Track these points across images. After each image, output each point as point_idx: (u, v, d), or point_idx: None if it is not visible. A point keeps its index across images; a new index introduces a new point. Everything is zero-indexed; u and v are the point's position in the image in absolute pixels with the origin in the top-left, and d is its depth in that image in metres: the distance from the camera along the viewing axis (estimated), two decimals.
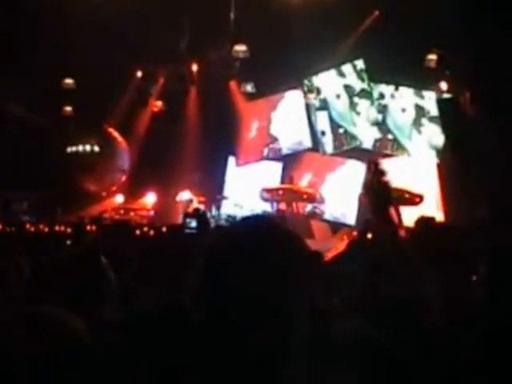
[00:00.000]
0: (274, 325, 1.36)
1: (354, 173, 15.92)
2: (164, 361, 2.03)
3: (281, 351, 1.35)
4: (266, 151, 17.86)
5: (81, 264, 2.85)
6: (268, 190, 15.95)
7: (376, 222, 2.71)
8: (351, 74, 16.28)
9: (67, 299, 2.60)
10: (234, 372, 1.36)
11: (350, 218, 15.71)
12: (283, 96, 17.68)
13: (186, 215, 13.28)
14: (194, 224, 12.08)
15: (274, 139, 17.80)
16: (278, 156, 17.66)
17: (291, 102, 17.53)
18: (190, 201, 16.32)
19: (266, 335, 1.34)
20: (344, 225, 15.41)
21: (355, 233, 12.02)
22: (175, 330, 2.06)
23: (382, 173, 2.73)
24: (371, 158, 2.80)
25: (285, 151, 17.62)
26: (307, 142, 17.23)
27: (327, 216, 15.92)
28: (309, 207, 15.83)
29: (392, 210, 2.74)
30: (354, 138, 16.35)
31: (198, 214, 13.28)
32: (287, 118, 17.56)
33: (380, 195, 2.71)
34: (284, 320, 1.37)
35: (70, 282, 2.74)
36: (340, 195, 16.11)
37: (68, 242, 11.17)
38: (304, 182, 16.26)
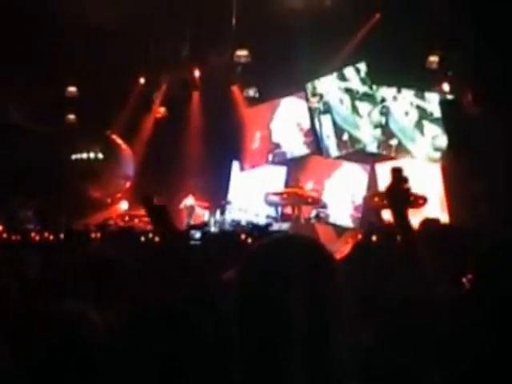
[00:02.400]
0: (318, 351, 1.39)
1: (357, 176, 15.94)
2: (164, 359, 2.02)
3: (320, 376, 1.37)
4: (270, 157, 17.94)
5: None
6: (273, 195, 15.88)
7: (396, 227, 2.77)
8: (354, 77, 16.24)
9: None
10: None
11: (355, 221, 15.70)
12: (284, 100, 17.73)
13: (191, 227, 13.24)
14: (198, 235, 12.12)
15: (277, 145, 17.86)
16: (283, 160, 17.70)
17: (293, 106, 17.56)
18: (192, 207, 16.32)
19: (308, 361, 1.36)
20: (348, 228, 15.32)
21: (360, 235, 11.98)
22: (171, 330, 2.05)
23: (405, 180, 2.82)
24: (394, 167, 2.85)
25: (289, 155, 17.64)
26: (311, 146, 17.25)
27: (331, 219, 15.88)
28: (313, 211, 15.77)
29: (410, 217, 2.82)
30: (357, 141, 16.32)
31: (202, 226, 13.50)
32: (289, 123, 17.61)
33: (401, 201, 2.80)
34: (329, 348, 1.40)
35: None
36: (344, 198, 16.11)
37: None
38: (309, 185, 16.23)
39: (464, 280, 2.81)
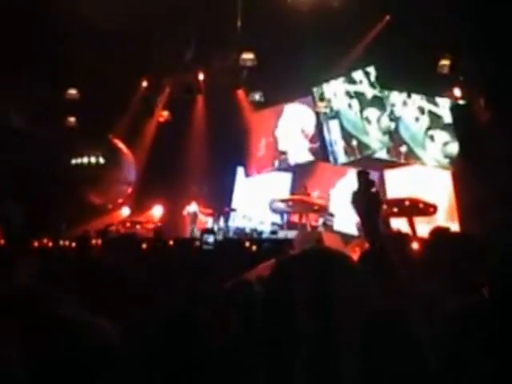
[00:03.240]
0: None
1: None
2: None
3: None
4: (276, 163, 17.95)
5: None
6: (278, 201, 15.91)
7: (365, 233, 2.78)
8: (362, 81, 16.31)
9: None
10: None
11: (361, 230, 15.55)
12: (288, 106, 17.82)
13: (204, 231, 13.34)
14: (211, 239, 12.12)
15: (283, 153, 17.91)
16: (288, 166, 17.74)
17: (298, 112, 17.64)
18: (195, 214, 16.36)
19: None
20: (356, 236, 15.27)
21: (367, 244, 11.90)
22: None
23: (372, 183, 2.80)
24: (361, 170, 2.83)
25: (295, 162, 17.68)
26: (316, 153, 17.30)
27: (338, 227, 15.86)
28: (320, 218, 15.76)
29: (380, 222, 2.80)
30: (366, 147, 16.35)
31: (213, 231, 13.52)
32: (294, 129, 17.67)
33: (368, 206, 2.78)
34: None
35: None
36: (350, 206, 15.95)
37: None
38: (315, 192, 16.20)
39: (483, 290, 2.79)
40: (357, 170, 2.81)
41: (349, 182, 16.31)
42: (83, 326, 1.83)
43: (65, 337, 1.78)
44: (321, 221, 15.64)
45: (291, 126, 17.72)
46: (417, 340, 1.72)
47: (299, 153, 17.60)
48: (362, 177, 2.78)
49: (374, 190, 2.75)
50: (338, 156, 16.83)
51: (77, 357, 1.75)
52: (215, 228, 15.81)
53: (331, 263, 1.56)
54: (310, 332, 1.47)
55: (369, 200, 2.77)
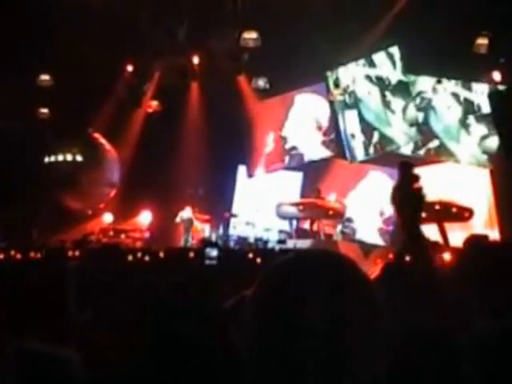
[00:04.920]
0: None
1: (388, 183, 15.77)
2: None
3: None
4: (287, 159, 17.97)
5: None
6: (287, 205, 15.82)
7: (407, 242, 2.75)
8: (384, 63, 16.22)
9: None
10: None
11: (385, 237, 15.70)
12: (299, 97, 17.78)
13: (206, 243, 13.40)
14: (215, 253, 12.11)
15: (293, 147, 17.92)
16: (300, 164, 17.80)
17: (310, 102, 17.61)
18: (190, 221, 16.40)
19: None
20: (378, 245, 15.26)
21: (391, 255, 11.96)
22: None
23: (416, 178, 2.75)
24: (405, 161, 2.82)
25: (307, 158, 17.68)
26: (331, 147, 17.28)
27: (359, 235, 15.84)
28: (339, 225, 15.81)
29: (424, 227, 2.77)
30: (389, 141, 16.32)
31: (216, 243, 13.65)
32: (306, 121, 17.65)
33: (411, 206, 2.75)
34: None
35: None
36: (372, 210, 16.09)
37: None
38: (331, 195, 16.15)
39: None
40: (400, 161, 2.75)
41: (371, 184, 16.39)
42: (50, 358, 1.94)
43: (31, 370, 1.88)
44: (339, 228, 15.64)
45: (303, 117, 17.72)
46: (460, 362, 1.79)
47: (313, 148, 17.60)
48: (406, 169, 2.76)
49: (418, 185, 2.73)
50: (355, 152, 16.80)
51: None
52: (213, 237, 15.87)
53: (340, 272, 1.51)
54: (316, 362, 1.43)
55: (412, 197, 2.74)
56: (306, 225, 16.00)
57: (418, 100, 15.88)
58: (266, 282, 1.54)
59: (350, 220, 15.77)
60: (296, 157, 17.86)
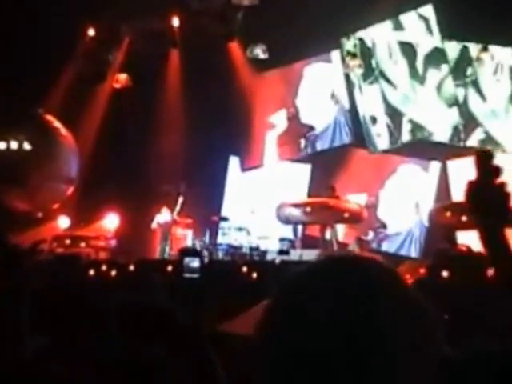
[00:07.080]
0: None
1: (420, 180, 15.91)
2: None
3: None
4: (303, 143, 17.95)
5: None
6: (290, 206, 15.70)
7: (489, 256, 2.39)
8: (415, 26, 16.09)
9: None
10: None
11: (415, 247, 15.75)
12: (310, 63, 17.71)
13: (184, 253, 13.27)
14: (196, 264, 12.26)
15: (310, 128, 17.87)
16: (314, 151, 17.94)
17: (325, 71, 17.53)
18: (168, 226, 16.43)
19: None
20: (406, 258, 15.16)
21: (423, 270, 11.92)
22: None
23: (497, 171, 2.42)
24: (482, 150, 2.55)
25: (318, 147, 17.73)
26: (347, 135, 17.25)
27: (387, 245, 15.96)
28: (370, 232, 16.09)
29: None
30: (419, 126, 16.26)
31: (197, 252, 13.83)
32: (323, 94, 17.62)
33: (494, 210, 2.41)
34: None
35: None
36: (401, 213, 16.07)
37: None
38: (352, 195, 16.24)
39: None
40: (476, 152, 2.40)
41: (402, 181, 16.33)
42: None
43: None
44: (371, 235, 15.89)
45: (317, 91, 17.77)
46: None
47: (326, 132, 17.68)
48: (485, 160, 2.39)
49: (500, 180, 2.35)
50: (378, 140, 16.75)
51: None
52: (197, 246, 15.76)
53: (374, 284, 1.50)
54: None
55: (495, 194, 2.38)
56: (315, 231, 15.96)
57: (458, 72, 15.78)
58: (279, 305, 1.58)
59: (384, 225, 16.03)
60: (312, 140, 17.99)
